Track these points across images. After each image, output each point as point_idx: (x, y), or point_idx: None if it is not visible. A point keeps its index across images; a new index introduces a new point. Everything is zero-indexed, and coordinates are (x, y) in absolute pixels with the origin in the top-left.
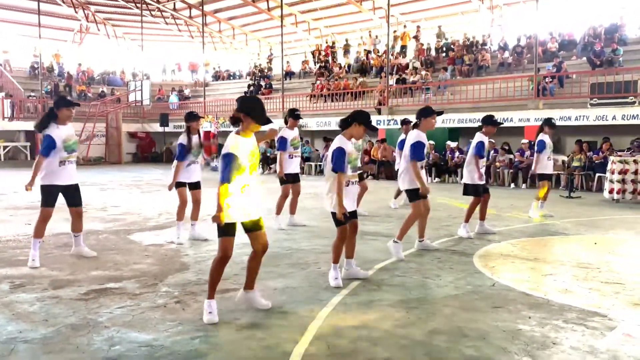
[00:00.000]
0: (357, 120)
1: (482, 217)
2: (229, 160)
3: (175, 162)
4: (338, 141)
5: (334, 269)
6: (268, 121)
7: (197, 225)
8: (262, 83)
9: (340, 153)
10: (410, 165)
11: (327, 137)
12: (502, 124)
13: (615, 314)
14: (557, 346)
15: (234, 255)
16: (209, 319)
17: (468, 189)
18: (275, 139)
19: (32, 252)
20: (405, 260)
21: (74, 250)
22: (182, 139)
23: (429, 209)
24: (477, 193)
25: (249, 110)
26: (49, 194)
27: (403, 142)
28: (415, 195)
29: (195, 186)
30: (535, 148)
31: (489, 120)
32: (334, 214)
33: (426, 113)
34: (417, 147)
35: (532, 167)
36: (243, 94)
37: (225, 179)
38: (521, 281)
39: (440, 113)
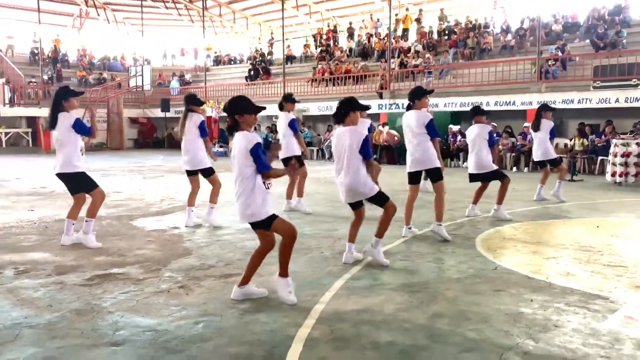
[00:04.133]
0: (351, 109)
1: (475, 202)
2: (260, 146)
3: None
4: (356, 132)
5: (380, 245)
6: (261, 108)
7: (215, 210)
8: (259, 68)
9: (367, 142)
10: (435, 143)
11: (331, 124)
12: (489, 113)
13: (617, 296)
14: (559, 329)
15: (236, 240)
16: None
17: (489, 177)
18: (286, 123)
19: (90, 235)
20: (407, 244)
21: (82, 237)
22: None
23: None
24: (502, 175)
25: (240, 109)
26: (85, 178)
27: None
28: (439, 173)
29: (208, 172)
30: (547, 136)
31: (477, 111)
32: (372, 197)
33: (419, 94)
34: (433, 124)
35: (541, 154)
36: (233, 98)
37: (267, 166)
38: (523, 264)
39: (431, 92)
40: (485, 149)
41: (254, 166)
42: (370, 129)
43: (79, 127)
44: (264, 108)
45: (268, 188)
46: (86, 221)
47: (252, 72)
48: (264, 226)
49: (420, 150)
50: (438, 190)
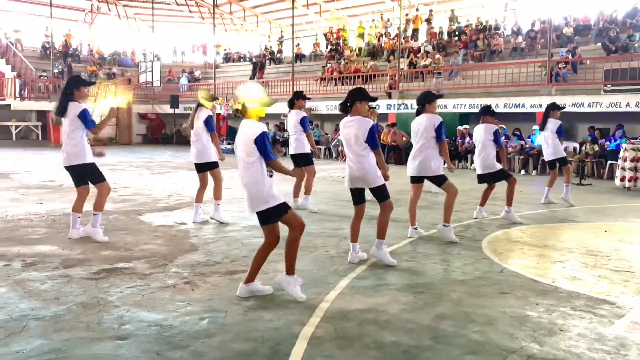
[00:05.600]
0: (357, 99)
1: (483, 203)
2: (268, 138)
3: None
4: (363, 122)
5: (384, 245)
6: (271, 102)
7: (221, 206)
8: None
9: (373, 132)
10: (442, 145)
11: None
12: (497, 114)
13: (623, 301)
14: (565, 333)
15: (242, 237)
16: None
17: (495, 177)
18: (297, 120)
19: (98, 229)
20: (412, 245)
21: (90, 230)
22: (210, 112)
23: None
24: (508, 175)
25: (250, 97)
26: (94, 171)
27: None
28: (445, 177)
29: (213, 166)
30: (555, 135)
31: (487, 111)
32: (377, 188)
33: (430, 99)
34: (443, 126)
35: (551, 153)
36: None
37: (271, 155)
38: (529, 267)
39: (440, 96)
40: (490, 149)
41: (258, 154)
42: (375, 129)
43: (84, 118)
44: (275, 102)
45: (270, 176)
46: (93, 214)
47: (257, 69)
48: (275, 214)
49: (424, 155)
50: (448, 191)
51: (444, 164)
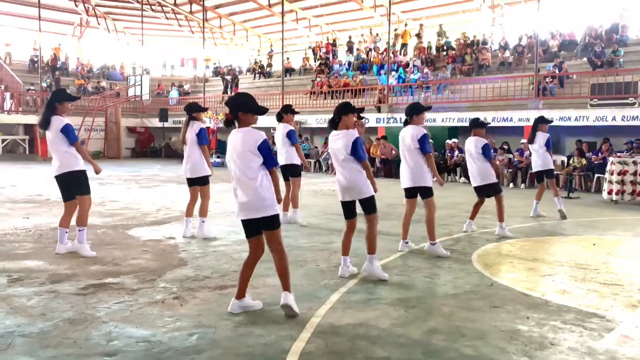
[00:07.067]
0: (343, 112)
1: (473, 217)
2: (268, 142)
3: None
4: (349, 134)
5: (376, 260)
6: (265, 110)
7: (206, 224)
8: (227, 78)
9: (357, 144)
10: (428, 158)
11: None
12: (489, 124)
13: (613, 315)
14: (555, 347)
15: (232, 252)
16: None
17: (490, 189)
18: (284, 134)
19: (84, 244)
20: (403, 258)
21: (77, 246)
22: (202, 125)
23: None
24: (499, 190)
25: (244, 105)
26: (82, 180)
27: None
28: (430, 191)
29: (205, 181)
30: (544, 148)
31: (477, 123)
32: (366, 200)
33: (417, 110)
34: (427, 138)
35: (540, 165)
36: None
37: (276, 162)
38: (520, 281)
39: (429, 108)
40: (480, 162)
41: (261, 160)
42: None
43: (66, 131)
44: (267, 110)
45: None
46: (79, 230)
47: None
48: (273, 223)
49: (412, 167)
50: (428, 206)
51: (433, 178)
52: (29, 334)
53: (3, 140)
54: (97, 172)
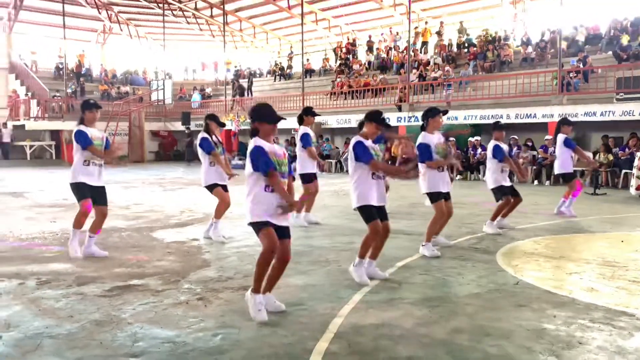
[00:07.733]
0: (367, 119)
1: (505, 215)
2: (260, 152)
3: (204, 156)
4: (353, 140)
5: (360, 264)
6: (280, 118)
7: (215, 225)
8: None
9: (356, 148)
10: (426, 167)
11: (349, 137)
12: (507, 127)
13: None
14: (584, 346)
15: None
16: (260, 317)
17: (496, 193)
18: (298, 137)
19: (93, 247)
20: (425, 258)
21: (86, 252)
22: (203, 134)
23: (451, 212)
24: (504, 194)
25: (260, 116)
26: (78, 190)
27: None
28: (436, 196)
29: (211, 188)
30: (563, 149)
31: (495, 126)
32: (361, 208)
33: (432, 113)
34: (422, 148)
35: (558, 167)
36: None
37: (261, 168)
38: (545, 279)
39: (445, 112)
40: (490, 164)
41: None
42: (381, 139)
43: (77, 138)
44: (283, 118)
45: (266, 191)
46: (72, 231)
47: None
48: (254, 230)
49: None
50: (435, 210)
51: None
52: (56, 335)
53: (30, 147)
54: (109, 162)
